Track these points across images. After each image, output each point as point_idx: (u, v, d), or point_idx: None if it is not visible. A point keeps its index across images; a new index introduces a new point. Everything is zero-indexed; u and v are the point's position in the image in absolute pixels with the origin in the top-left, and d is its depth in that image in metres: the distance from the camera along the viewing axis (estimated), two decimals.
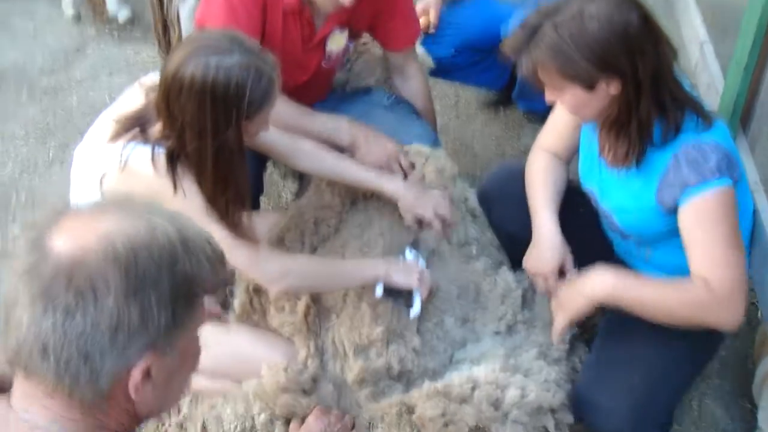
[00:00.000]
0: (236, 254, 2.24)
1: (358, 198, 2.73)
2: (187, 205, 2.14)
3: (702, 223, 2.15)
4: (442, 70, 3.69)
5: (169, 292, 1.20)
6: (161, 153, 2.16)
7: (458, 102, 4.23)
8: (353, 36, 2.93)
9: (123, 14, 4.96)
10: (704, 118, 2.17)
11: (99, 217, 1.22)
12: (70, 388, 1.19)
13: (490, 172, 2.85)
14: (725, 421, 2.77)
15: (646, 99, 2.12)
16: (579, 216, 2.55)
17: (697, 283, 2.17)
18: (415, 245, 2.64)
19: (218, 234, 2.16)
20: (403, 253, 2.57)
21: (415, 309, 2.43)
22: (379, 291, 2.41)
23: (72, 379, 1.18)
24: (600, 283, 2.28)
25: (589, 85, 2.12)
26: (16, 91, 4.43)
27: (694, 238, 2.18)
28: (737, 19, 3.01)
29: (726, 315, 2.18)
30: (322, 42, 2.82)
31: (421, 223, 2.64)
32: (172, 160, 2.16)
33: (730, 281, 2.15)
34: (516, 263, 2.66)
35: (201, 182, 2.18)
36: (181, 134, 2.12)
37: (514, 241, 2.68)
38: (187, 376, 1.37)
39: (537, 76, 2.17)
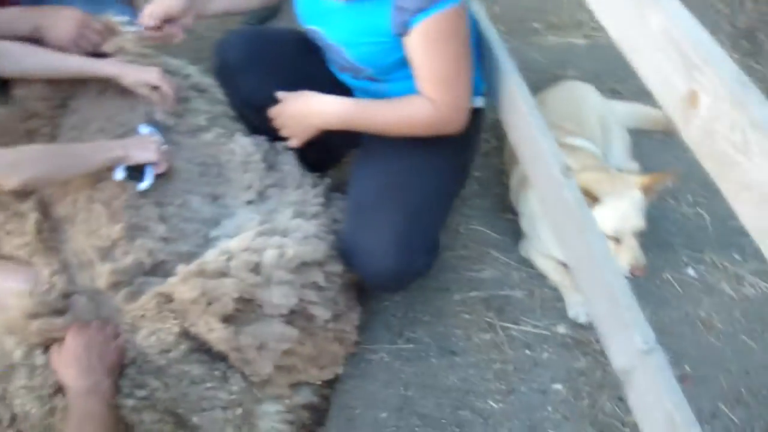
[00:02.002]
0: None
1: (67, 98, 2.51)
2: None
3: (431, 43, 2.12)
4: None
5: None
6: None
7: None
8: None
9: None
10: None
11: None
12: None
13: (226, 41, 2.60)
14: (493, 236, 2.84)
15: None
16: (309, 63, 2.47)
17: (424, 104, 2.21)
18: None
19: None
20: (136, 131, 2.41)
21: (146, 182, 2.28)
22: (119, 174, 2.25)
23: None
24: (329, 115, 2.31)
25: None
26: None
27: (422, 60, 2.15)
28: None
29: (452, 128, 2.27)
30: None
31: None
32: None
33: (455, 99, 2.21)
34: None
35: None
36: None
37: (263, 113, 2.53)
38: None
39: None
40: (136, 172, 2.28)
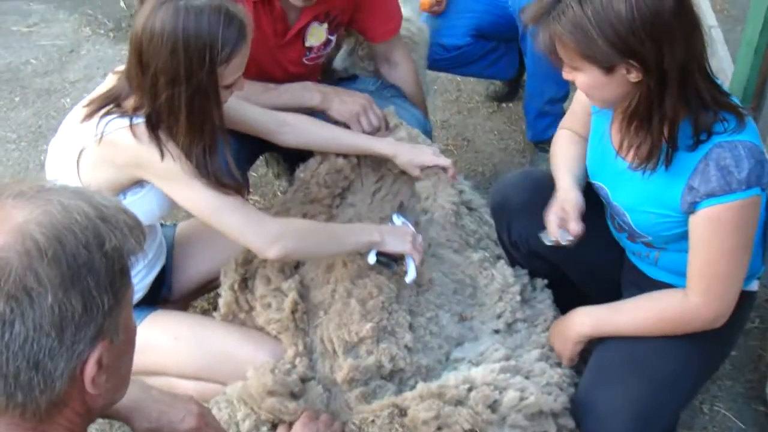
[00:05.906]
0: (231, 217, 2.16)
1: (345, 190, 2.61)
2: (176, 168, 2.08)
3: (712, 231, 2.02)
4: (455, 63, 3.64)
5: (105, 272, 1.11)
6: (140, 121, 2.08)
7: (459, 96, 4.16)
8: (333, 29, 2.81)
9: None
10: (740, 118, 1.98)
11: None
12: (23, 404, 1.09)
13: (509, 179, 2.60)
14: (737, 425, 2.63)
15: (672, 94, 1.92)
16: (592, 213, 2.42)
17: (674, 297, 2.15)
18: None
19: (208, 197, 2.12)
20: (390, 219, 2.49)
21: (411, 274, 2.33)
22: (372, 258, 2.33)
23: (24, 393, 1.08)
24: (579, 326, 2.28)
25: (607, 69, 1.94)
26: (9, 93, 4.35)
27: (697, 245, 2.06)
28: (744, 7, 2.91)
29: (702, 325, 2.14)
30: (300, 36, 2.73)
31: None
32: (152, 126, 2.08)
33: (714, 297, 2.09)
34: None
35: (174, 134, 2.09)
36: (154, 90, 2.03)
37: (538, 258, 2.50)
38: (132, 354, 1.29)
39: (554, 50, 2.00)
40: (386, 258, 2.35)
